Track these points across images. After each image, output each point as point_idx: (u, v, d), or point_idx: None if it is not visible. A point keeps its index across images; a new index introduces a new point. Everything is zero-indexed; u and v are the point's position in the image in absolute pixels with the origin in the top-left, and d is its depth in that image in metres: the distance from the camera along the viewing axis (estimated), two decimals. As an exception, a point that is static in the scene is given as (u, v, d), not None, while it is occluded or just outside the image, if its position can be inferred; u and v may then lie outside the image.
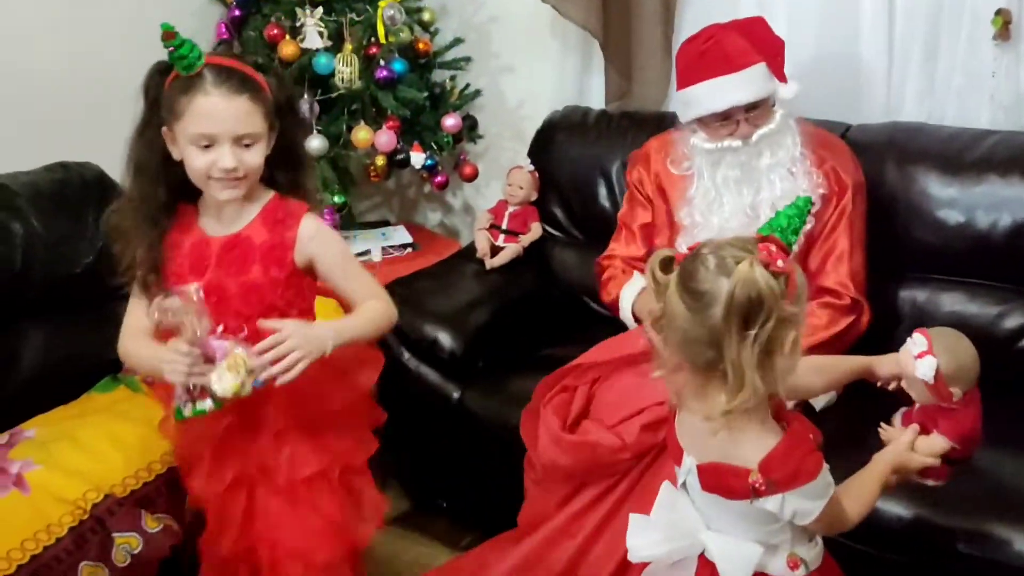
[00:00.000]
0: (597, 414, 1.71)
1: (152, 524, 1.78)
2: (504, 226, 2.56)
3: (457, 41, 2.77)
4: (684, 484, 1.34)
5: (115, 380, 2.21)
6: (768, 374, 1.17)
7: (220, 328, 1.49)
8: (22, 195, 2.13)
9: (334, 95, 2.46)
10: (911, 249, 2.11)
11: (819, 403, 1.93)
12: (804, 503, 1.22)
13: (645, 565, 1.37)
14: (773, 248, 1.17)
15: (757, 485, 1.20)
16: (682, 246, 1.92)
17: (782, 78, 1.90)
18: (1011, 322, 2.03)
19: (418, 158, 2.61)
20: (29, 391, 2.08)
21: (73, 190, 2.24)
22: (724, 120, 1.93)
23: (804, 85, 2.40)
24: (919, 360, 1.38)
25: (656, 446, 1.58)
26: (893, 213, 2.11)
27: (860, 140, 2.20)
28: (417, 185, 3.19)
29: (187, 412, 1.50)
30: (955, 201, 2.06)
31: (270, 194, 1.60)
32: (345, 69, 2.41)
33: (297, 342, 1.46)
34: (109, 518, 1.74)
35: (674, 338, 1.22)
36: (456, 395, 2.20)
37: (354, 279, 1.65)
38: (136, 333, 1.64)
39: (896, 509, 1.68)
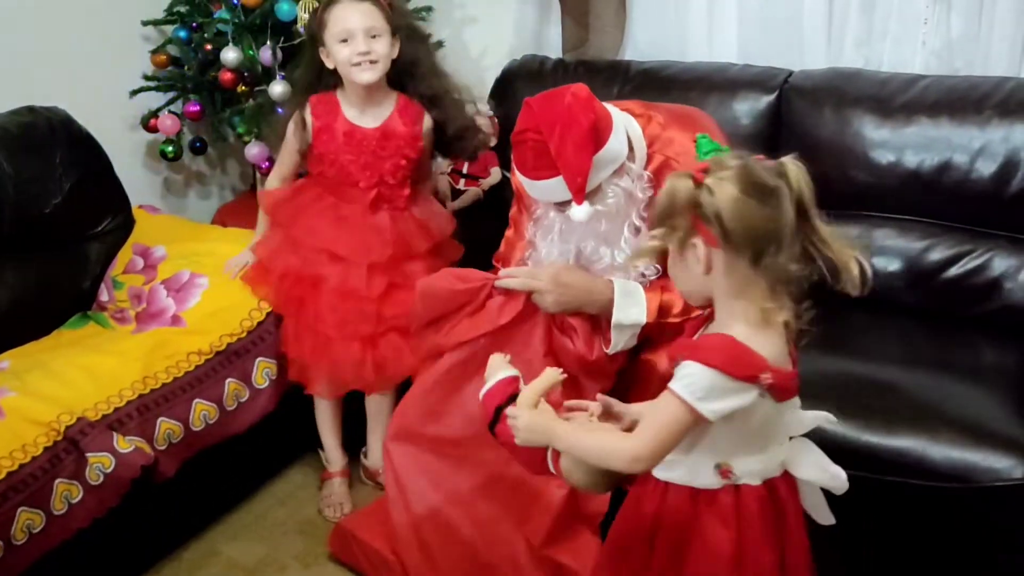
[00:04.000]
0: None
1: (124, 445, 1.85)
2: (465, 170, 2.64)
3: (419, -10, 2.82)
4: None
5: (85, 317, 2.29)
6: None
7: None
8: (-10, 137, 2.17)
9: (297, 42, 2.51)
10: (846, 188, 2.21)
11: None
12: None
13: None
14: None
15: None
16: (529, 262, 1.91)
17: (576, 198, 1.68)
18: (936, 255, 2.15)
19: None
20: (1, 326, 2.15)
21: (41, 133, 2.29)
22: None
23: (750, 33, 2.54)
24: None
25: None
26: (830, 154, 2.20)
27: (802, 85, 2.30)
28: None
29: None
30: (887, 142, 2.16)
31: (396, 94, 2.13)
32: (306, 16, 2.44)
33: None
34: (82, 439, 1.82)
35: (737, 239, 1.19)
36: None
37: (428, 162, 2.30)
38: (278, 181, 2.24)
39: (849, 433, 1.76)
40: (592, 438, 1.30)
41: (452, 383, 1.89)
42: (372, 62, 2.01)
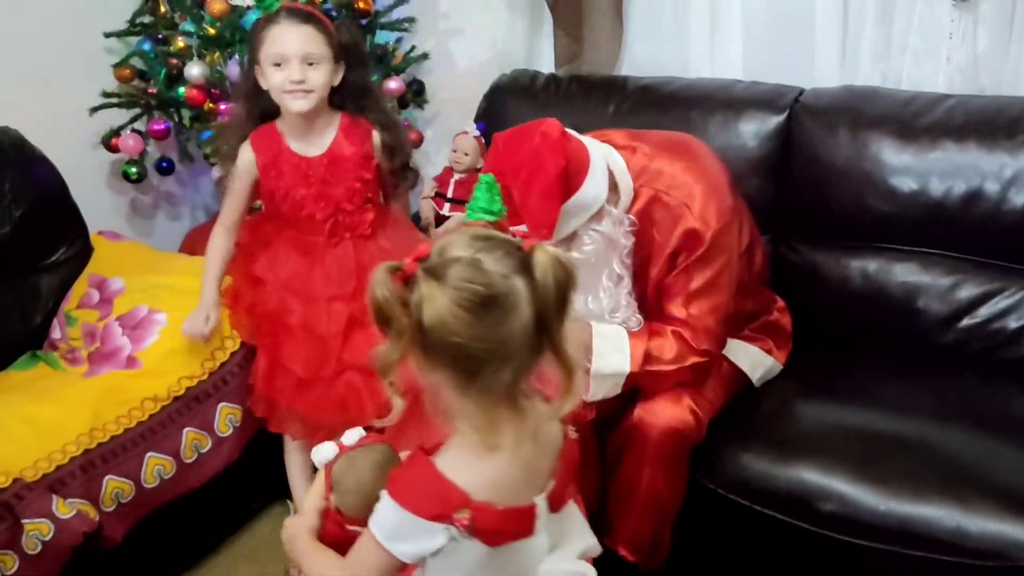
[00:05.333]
0: None
1: (64, 510, 1.69)
2: (450, 194, 2.47)
3: (401, 1, 2.65)
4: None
5: (35, 357, 2.14)
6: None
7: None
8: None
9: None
10: (864, 218, 2.04)
11: (755, 374, 1.88)
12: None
13: None
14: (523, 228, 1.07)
15: (572, 433, 1.16)
16: None
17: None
18: (964, 293, 1.97)
19: (358, 123, 2.50)
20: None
21: (-12, 156, 2.13)
22: None
23: (757, 47, 2.37)
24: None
25: None
26: (845, 180, 2.04)
27: (814, 104, 2.14)
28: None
29: None
30: (909, 168, 1.99)
31: (339, 114, 1.99)
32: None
33: None
34: (17, 503, 1.65)
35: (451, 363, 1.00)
36: (396, 370, 2.12)
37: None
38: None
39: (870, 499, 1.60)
40: (314, 563, 1.13)
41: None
42: (306, 91, 1.87)
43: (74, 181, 2.30)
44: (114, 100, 2.53)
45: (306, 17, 1.88)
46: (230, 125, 2.06)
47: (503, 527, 1.03)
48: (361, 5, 2.53)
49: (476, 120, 2.54)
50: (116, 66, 2.53)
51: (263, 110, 1.98)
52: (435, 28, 2.78)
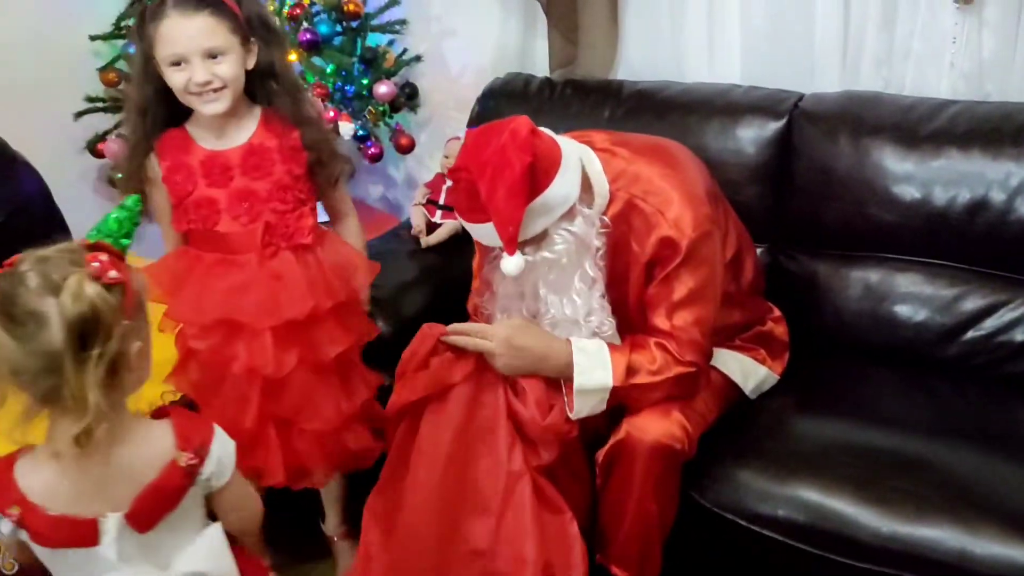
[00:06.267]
0: None
1: None
2: (442, 201, 2.41)
3: (392, 3, 2.61)
4: (119, 554, 1.19)
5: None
6: (115, 392, 1.12)
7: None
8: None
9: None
10: (865, 227, 1.98)
11: (748, 385, 1.83)
12: (220, 463, 1.22)
13: None
14: (104, 257, 1.09)
15: (191, 462, 1.18)
16: (487, 304, 1.78)
17: (507, 248, 1.53)
18: (968, 304, 1.92)
19: (347, 128, 2.46)
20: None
21: (-35, 162, 2.09)
22: None
23: (755, 52, 2.32)
24: None
25: None
26: (846, 188, 1.98)
27: (814, 110, 2.08)
28: (356, 157, 3.03)
29: None
30: (912, 176, 1.93)
31: (257, 107, 1.70)
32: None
33: None
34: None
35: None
36: (387, 382, 2.07)
37: (341, 187, 1.83)
38: None
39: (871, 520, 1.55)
40: None
41: (401, 455, 1.73)
42: (216, 90, 1.60)
43: (58, 187, 2.26)
44: (99, 104, 2.50)
45: (197, 4, 1.56)
46: (132, 144, 1.70)
47: (53, 533, 1.14)
48: (351, 7, 2.49)
49: (469, 124, 2.49)
50: (101, 70, 2.50)
51: (172, 111, 1.67)
52: (428, 31, 2.73)
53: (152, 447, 1.19)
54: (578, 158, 1.62)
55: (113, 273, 1.09)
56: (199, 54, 1.56)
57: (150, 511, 1.18)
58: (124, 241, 1.17)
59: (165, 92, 1.63)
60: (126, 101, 1.74)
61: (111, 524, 1.16)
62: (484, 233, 1.58)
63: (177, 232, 1.73)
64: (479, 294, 1.85)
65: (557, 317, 1.65)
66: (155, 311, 1.98)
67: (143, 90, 1.65)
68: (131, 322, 1.12)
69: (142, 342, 1.15)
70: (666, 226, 1.60)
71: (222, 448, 1.24)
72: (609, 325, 1.67)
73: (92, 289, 1.06)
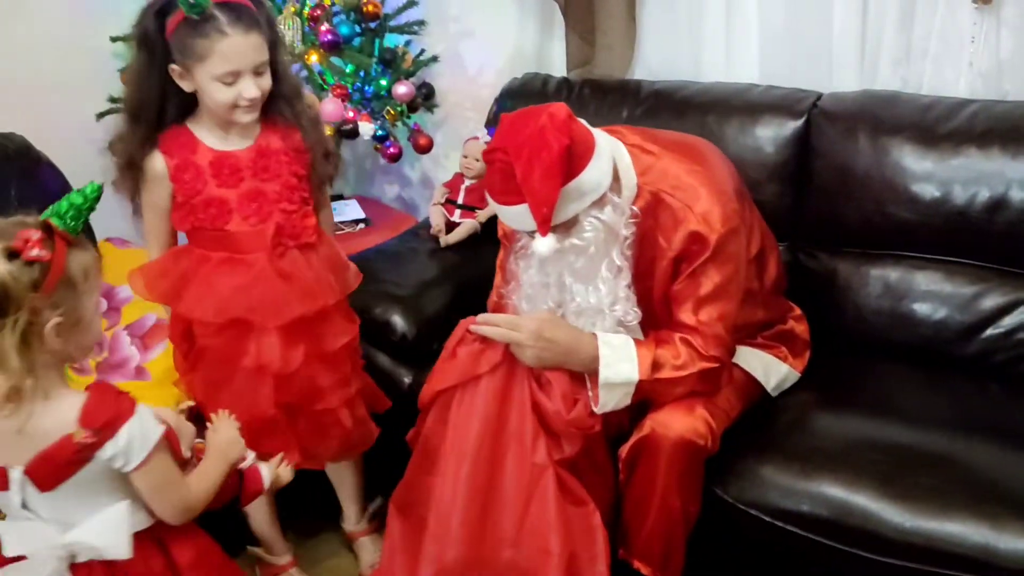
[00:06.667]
0: None
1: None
2: (460, 201, 2.43)
3: (410, 3, 2.62)
4: (24, 506, 1.27)
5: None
6: (35, 356, 1.18)
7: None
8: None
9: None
10: (884, 225, 2.00)
11: (770, 382, 1.84)
12: (128, 447, 1.22)
13: None
14: (36, 236, 1.15)
15: (86, 440, 1.20)
16: (512, 295, 1.79)
17: (540, 229, 1.54)
18: (988, 302, 1.93)
19: (367, 128, 2.48)
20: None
21: (-7, 162, 2.09)
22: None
23: (773, 51, 2.33)
24: None
25: None
26: (865, 187, 2.00)
27: (833, 109, 2.09)
28: (373, 157, 3.05)
29: None
30: (931, 175, 1.94)
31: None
32: (287, 32, 2.26)
33: None
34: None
35: None
36: (408, 380, 2.08)
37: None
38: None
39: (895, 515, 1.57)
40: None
41: (427, 448, 1.76)
42: (255, 101, 1.63)
43: (81, 186, 2.26)
44: (121, 105, 2.50)
45: (249, 20, 1.57)
46: (127, 138, 1.70)
47: None
48: (370, 8, 2.50)
49: (487, 125, 2.50)
50: (123, 71, 2.50)
51: (179, 111, 1.68)
52: (445, 31, 2.74)
53: (56, 416, 1.22)
54: (610, 148, 1.63)
55: (36, 251, 1.15)
56: (251, 70, 1.59)
57: (44, 474, 1.22)
58: (72, 223, 1.22)
59: (167, 96, 1.65)
60: (126, 102, 1.74)
61: (15, 475, 1.23)
62: (516, 215, 1.58)
63: (178, 230, 1.76)
64: (503, 286, 1.86)
65: (582, 305, 1.66)
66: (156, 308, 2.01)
67: (149, 94, 1.65)
68: (48, 297, 1.17)
69: (63, 317, 1.19)
70: (694, 221, 1.62)
71: (138, 432, 1.23)
72: (634, 315, 1.68)
73: (2, 266, 1.14)
